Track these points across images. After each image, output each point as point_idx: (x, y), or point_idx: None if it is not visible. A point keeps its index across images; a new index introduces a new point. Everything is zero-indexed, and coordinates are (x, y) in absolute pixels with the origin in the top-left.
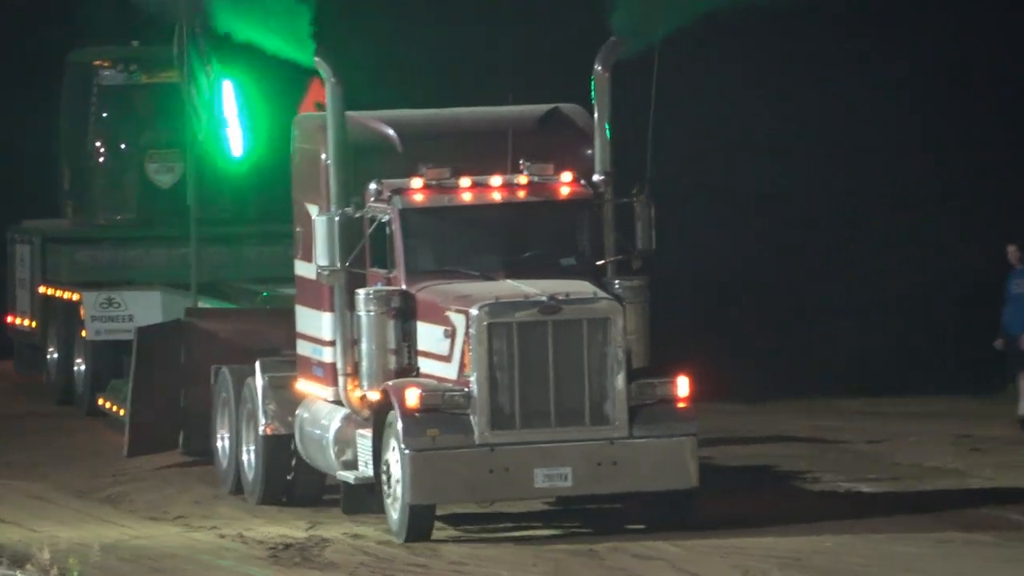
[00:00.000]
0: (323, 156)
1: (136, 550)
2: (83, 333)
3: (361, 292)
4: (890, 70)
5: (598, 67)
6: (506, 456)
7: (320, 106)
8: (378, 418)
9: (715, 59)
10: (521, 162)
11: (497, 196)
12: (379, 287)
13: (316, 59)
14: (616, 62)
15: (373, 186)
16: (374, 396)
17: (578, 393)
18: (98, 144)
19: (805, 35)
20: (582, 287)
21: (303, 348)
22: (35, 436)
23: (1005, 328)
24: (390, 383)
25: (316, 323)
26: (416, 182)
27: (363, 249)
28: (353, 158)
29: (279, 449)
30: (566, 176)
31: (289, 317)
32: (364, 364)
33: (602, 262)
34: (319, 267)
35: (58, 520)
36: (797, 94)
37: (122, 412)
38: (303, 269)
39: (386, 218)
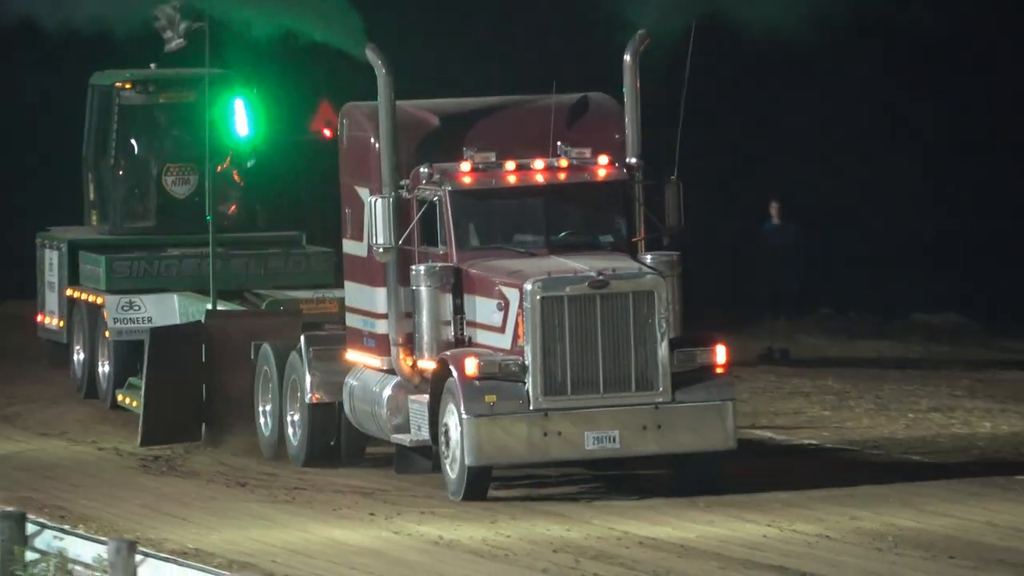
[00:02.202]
0: (373, 142)
1: (29, 460)
2: (107, 333)
3: (417, 268)
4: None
5: (627, 58)
6: (558, 420)
7: (331, 124)
8: (435, 385)
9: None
10: (559, 146)
11: (540, 178)
12: (432, 263)
13: (368, 51)
14: (643, 53)
15: (424, 169)
16: (430, 365)
17: (624, 361)
18: (120, 158)
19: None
20: (627, 262)
21: (353, 321)
22: None
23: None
24: (448, 353)
25: (368, 297)
26: (464, 165)
27: (413, 228)
28: (401, 144)
29: (324, 416)
30: (603, 159)
31: (296, 317)
32: (420, 335)
33: (636, 239)
34: (375, 245)
35: None
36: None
37: (135, 404)
38: (351, 247)
39: (436, 199)
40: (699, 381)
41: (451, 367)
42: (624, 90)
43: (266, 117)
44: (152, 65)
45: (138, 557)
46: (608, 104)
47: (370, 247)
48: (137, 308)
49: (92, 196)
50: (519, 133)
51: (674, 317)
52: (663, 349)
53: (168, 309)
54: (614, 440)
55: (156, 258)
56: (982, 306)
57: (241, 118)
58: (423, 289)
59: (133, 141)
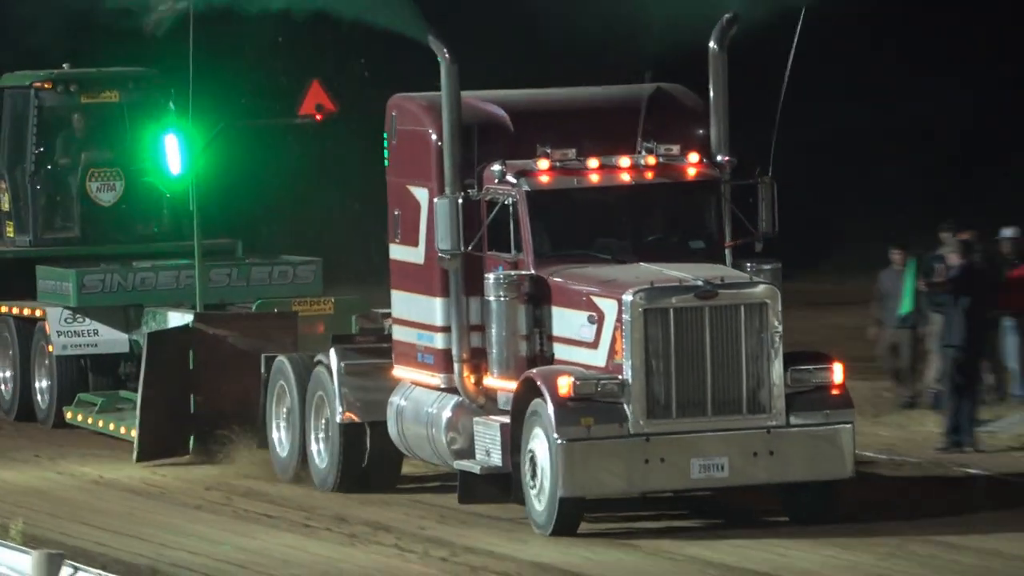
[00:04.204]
0: (434, 138)
1: None
2: (49, 348)
3: (491, 277)
4: None
5: (713, 46)
6: (662, 446)
7: (320, 108)
8: (517, 407)
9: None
10: (642, 142)
11: (626, 177)
12: (506, 271)
13: (431, 38)
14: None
15: (497, 168)
16: (505, 384)
17: (735, 381)
18: (39, 164)
19: None
20: (734, 271)
21: (403, 334)
22: None
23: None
24: (535, 371)
25: (424, 309)
26: (542, 163)
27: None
28: (468, 140)
29: (355, 437)
30: (693, 157)
31: (291, 319)
32: (495, 351)
33: (730, 244)
34: (441, 251)
35: None
36: None
37: (90, 421)
38: (402, 253)
39: (510, 201)
40: (814, 403)
41: (541, 386)
42: (710, 81)
43: (198, 152)
44: (65, 65)
45: None
46: (687, 96)
47: (430, 253)
48: (81, 320)
49: (6, 206)
50: (596, 128)
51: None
52: (777, 367)
53: (117, 320)
54: (722, 468)
55: (129, 271)
56: None
57: (173, 155)
58: (497, 300)
59: (55, 145)
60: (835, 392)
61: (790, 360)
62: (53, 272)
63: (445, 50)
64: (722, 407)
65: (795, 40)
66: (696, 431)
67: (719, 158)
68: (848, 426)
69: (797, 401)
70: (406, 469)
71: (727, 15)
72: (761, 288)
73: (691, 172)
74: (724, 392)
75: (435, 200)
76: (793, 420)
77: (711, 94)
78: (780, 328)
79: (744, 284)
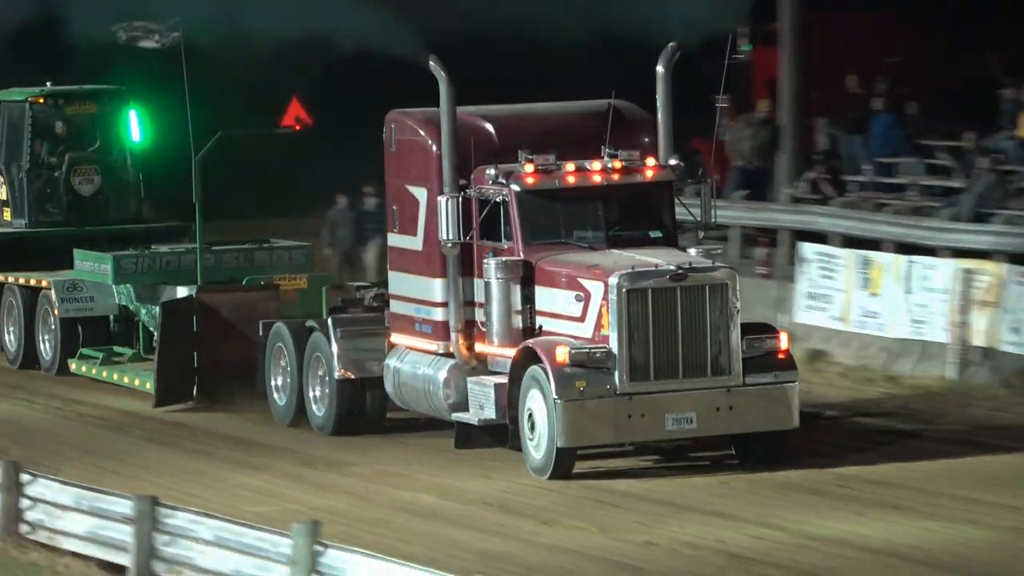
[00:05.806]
0: (432, 146)
1: None
2: (55, 312)
3: (491, 262)
4: None
5: (660, 68)
6: (642, 404)
7: (299, 120)
8: (515, 371)
9: None
10: (605, 148)
11: (597, 178)
12: (503, 257)
13: (431, 63)
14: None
15: (490, 171)
16: (503, 351)
17: (701, 348)
18: (33, 162)
19: None
20: (699, 257)
21: (401, 308)
22: None
23: None
24: (532, 341)
25: (424, 287)
26: (528, 167)
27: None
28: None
29: (350, 390)
30: (650, 161)
31: (273, 291)
32: (491, 323)
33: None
34: (444, 240)
35: None
36: None
37: (94, 371)
38: (401, 241)
39: (500, 198)
40: (765, 365)
41: (541, 355)
42: (657, 98)
43: (155, 125)
44: (48, 83)
45: None
46: (635, 110)
47: (428, 241)
48: (80, 289)
49: (4, 196)
50: (565, 137)
51: None
52: (735, 337)
53: (106, 290)
54: (691, 421)
55: (156, 255)
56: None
57: (135, 127)
58: (496, 281)
59: (44, 147)
60: (781, 356)
61: (745, 331)
62: (91, 255)
63: (443, 74)
64: (690, 370)
65: (726, 62)
66: (669, 391)
67: (670, 161)
68: (793, 384)
69: (751, 364)
70: None
71: (671, 44)
72: (722, 271)
73: (649, 174)
74: (692, 358)
75: (439, 198)
76: (748, 380)
77: (659, 108)
78: (738, 304)
79: (708, 268)
